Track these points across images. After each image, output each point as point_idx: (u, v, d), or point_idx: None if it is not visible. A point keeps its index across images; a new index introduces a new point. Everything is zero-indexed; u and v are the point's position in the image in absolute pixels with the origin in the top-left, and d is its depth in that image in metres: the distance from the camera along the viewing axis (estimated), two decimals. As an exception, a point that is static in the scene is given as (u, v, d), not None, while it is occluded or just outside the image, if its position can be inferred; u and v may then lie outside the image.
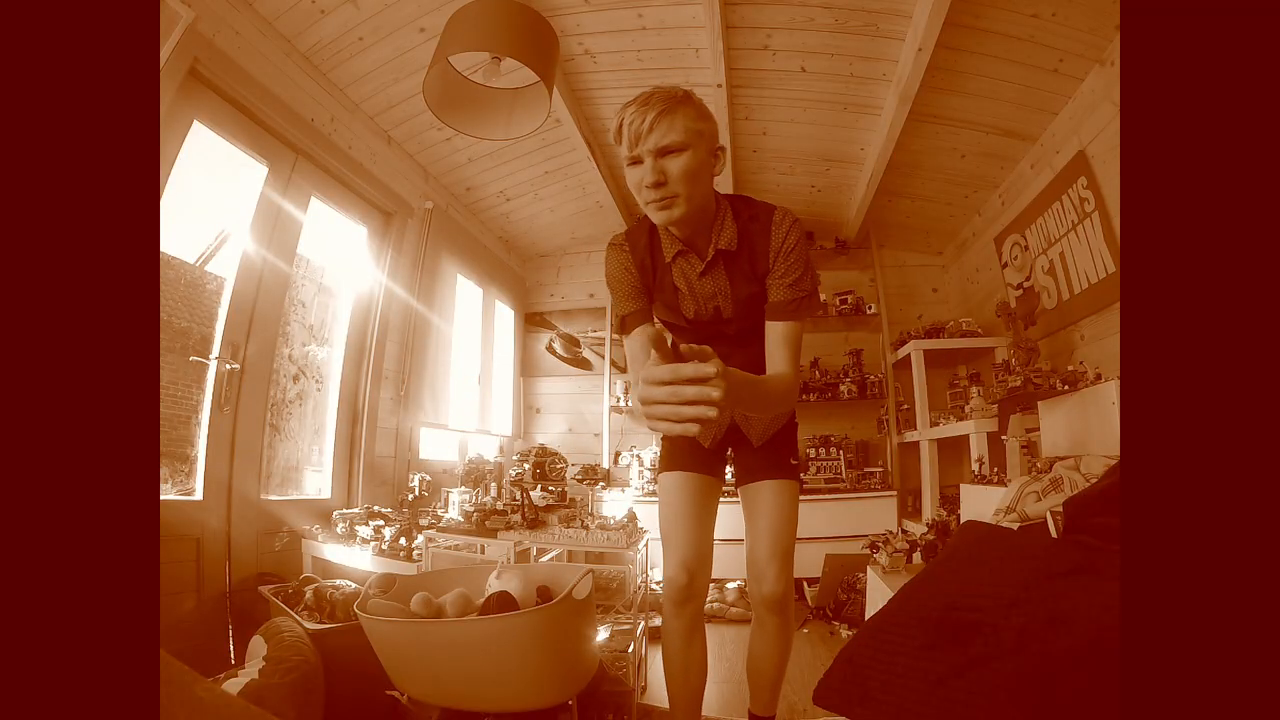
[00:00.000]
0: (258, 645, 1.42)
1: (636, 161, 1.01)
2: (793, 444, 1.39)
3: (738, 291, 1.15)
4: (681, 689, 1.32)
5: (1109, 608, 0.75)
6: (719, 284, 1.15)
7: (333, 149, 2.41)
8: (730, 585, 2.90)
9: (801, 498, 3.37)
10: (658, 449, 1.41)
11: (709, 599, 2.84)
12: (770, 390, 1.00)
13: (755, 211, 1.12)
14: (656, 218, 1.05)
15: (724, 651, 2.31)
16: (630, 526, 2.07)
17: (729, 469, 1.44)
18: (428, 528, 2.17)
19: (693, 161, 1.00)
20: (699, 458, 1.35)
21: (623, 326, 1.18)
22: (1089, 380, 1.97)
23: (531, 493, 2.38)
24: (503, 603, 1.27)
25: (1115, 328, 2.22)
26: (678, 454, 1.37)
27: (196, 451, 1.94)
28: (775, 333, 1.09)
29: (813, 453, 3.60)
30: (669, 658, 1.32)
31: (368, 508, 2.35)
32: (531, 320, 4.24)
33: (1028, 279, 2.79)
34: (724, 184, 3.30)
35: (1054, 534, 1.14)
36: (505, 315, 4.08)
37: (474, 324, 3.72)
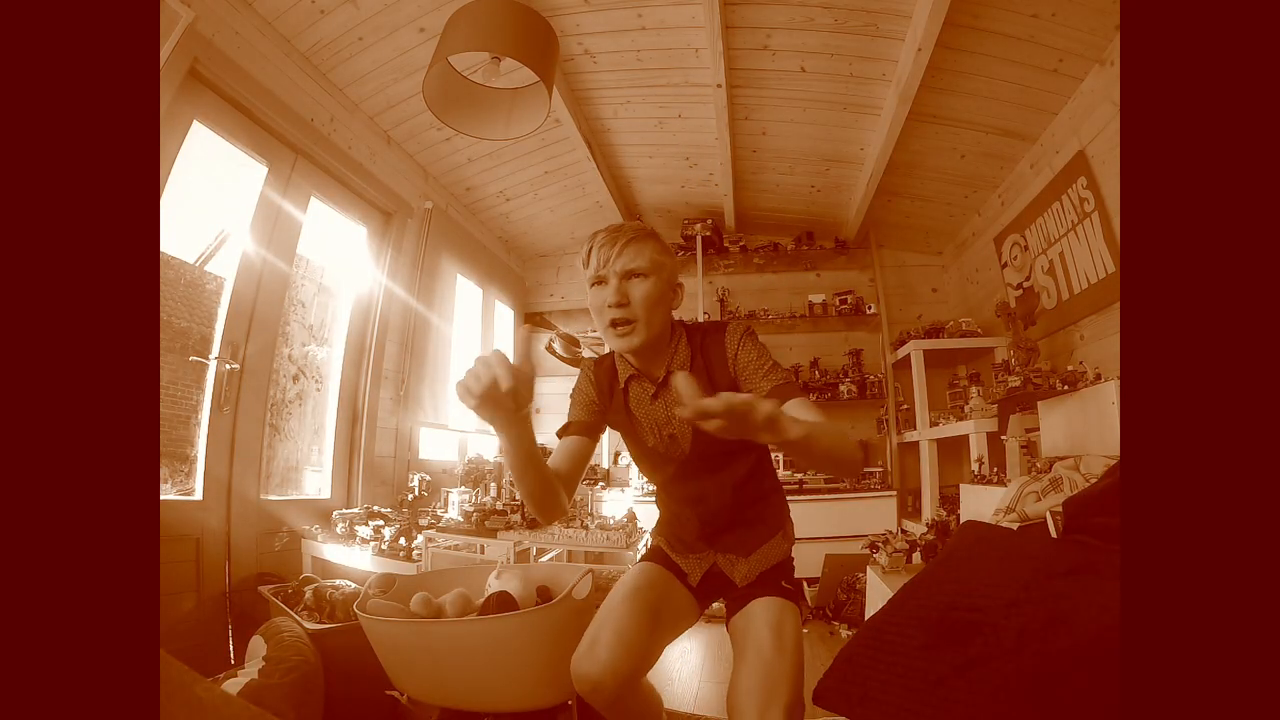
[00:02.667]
0: (257, 645, 1.42)
1: (601, 282, 1.04)
2: (787, 571, 1.18)
3: None
4: None
5: (1109, 608, 0.75)
6: (671, 409, 1.08)
7: (332, 149, 2.41)
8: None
9: (802, 498, 3.41)
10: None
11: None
12: (839, 431, 0.91)
13: (708, 330, 1.13)
14: (616, 344, 1.06)
15: (723, 651, 2.31)
16: (630, 526, 2.07)
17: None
18: (427, 528, 2.17)
19: (654, 289, 1.03)
20: (682, 574, 1.17)
21: (563, 430, 1.14)
22: (1089, 380, 1.97)
23: (531, 493, 2.37)
24: (503, 603, 1.27)
25: (1115, 328, 2.22)
26: (661, 555, 1.20)
27: (196, 451, 1.94)
28: (792, 410, 0.96)
29: (813, 453, 3.60)
30: None
31: (367, 508, 2.35)
32: (531, 320, 4.25)
33: (1027, 279, 2.79)
34: (724, 184, 3.30)
35: (1054, 534, 1.14)
36: (505, 315, 4.08)
37: (474, 324, 3.72)
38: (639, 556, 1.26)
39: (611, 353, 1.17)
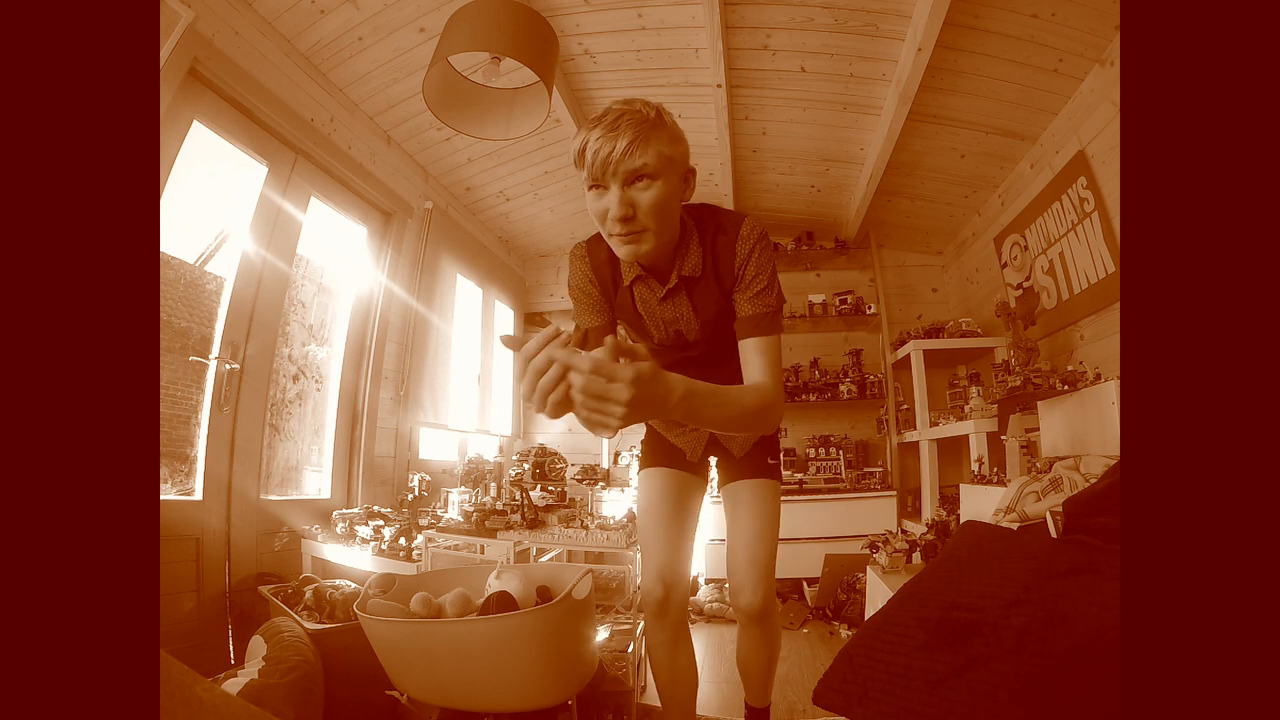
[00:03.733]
0: (257, 645, 1.42)
1: (600, 186, 0.92)
2: (773, 447, 1.33)
3: (703, 314, 1.10)
4: (671, 698, 1.31)
5: (1109, 608, 0.75)
6: (680, 309, 1.10)
7: (332, 149, 2.41)
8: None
9: (802, 498, 3.42)
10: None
11: (710, 599, 2.84)
12: (744, 406, 0.90)
13: (722, 223, 1.05)
14: (621, 252, 0.97)
15: (724, 651, 2.31)
16: (630, 526, 2.07)
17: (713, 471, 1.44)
18: (428, 528, 2.17)
19: (663, 191, 0.91)
20: (681, 456, 1.31)
21: (584, 341, 1.08)
22: (1089, 380, 1.97)
23: (531, 493, 2.38)
24: (503, 603, 1.27)
25: (1115, 328, 2.22)
26: (659, 452, 1.32)
27: (196, 451, 1.94)
28: (747, 349, 1.03)
29: (812, 453, 3.60)
30: (656, 667, 1.30)
31: (367, 508, 2.35)
32: (531, 320, 4.24)
33: (1027, 279, 2.79)
34: (724, 184, 3.30)
35: (1054, 534, 1.14)
36: (505, 315, 4.08)
37: (474, 324, 3.72)
38: (640, 463, 1.38)
39: (610, 248, 1.07)
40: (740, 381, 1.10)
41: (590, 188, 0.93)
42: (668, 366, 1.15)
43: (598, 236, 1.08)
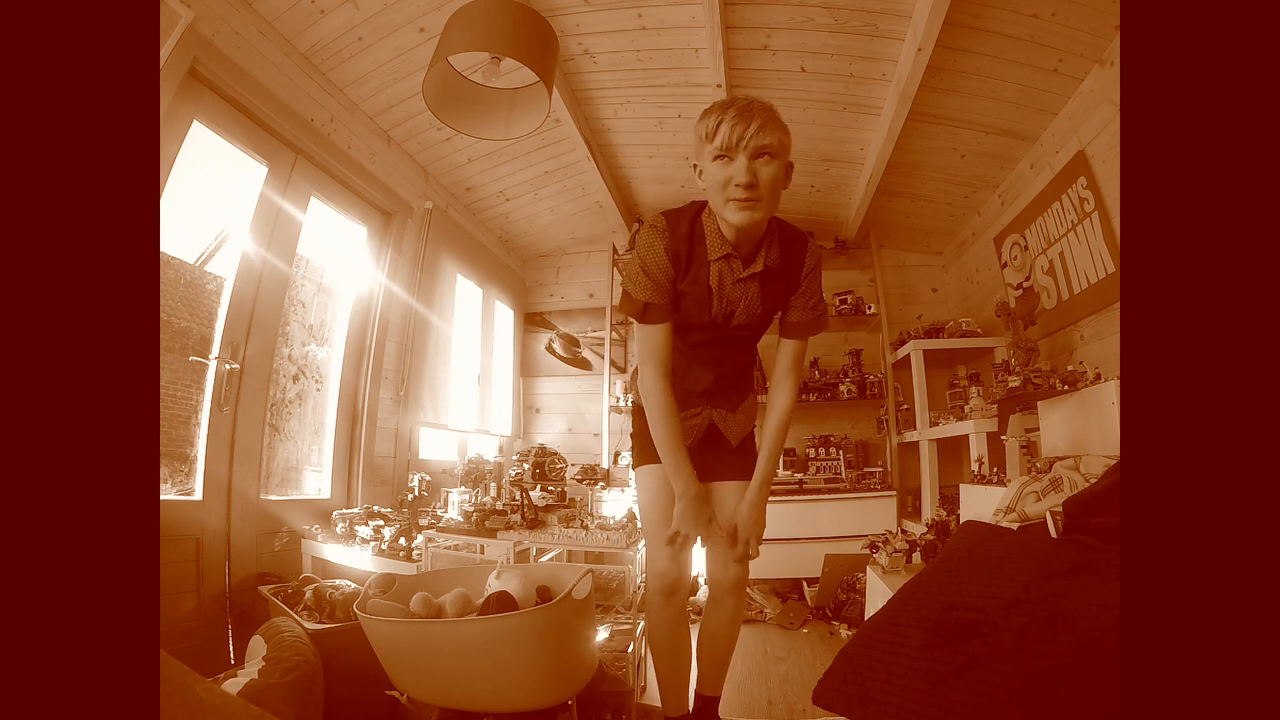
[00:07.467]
0: (257, 645, 1.42)
1: (726, 157, 1.06)
2: (755, 446, 1.47)
3: (767, 301, 1.26)
4: (671, 672, 1.36)
5: (1109, 608, 0.75)
6: (748, 292, 1.23)
7: (332, 149, 2.41)
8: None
9: (802, 498, 3.42)
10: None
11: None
12: (777, 440, 1.26)
13: (796, 233, 1.26)
14: (737, 217, 1.09)
15: (724, 651, 2.30)
16: (630, 526, 2.07)
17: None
18: (427, 528, 2.17)
19: (779, 171, 1.08)
20: None
21: (644, 314, 1.22)
22: (1089, 380, 1.96)
23: (531, 493, 2.38)
24: (502, 603, 1.27)
25: (1115, 328, 2.22)
26: (653, 446, 1.39)
27: (196, 451, 1.94)
28: (788, 350, 1.27)
29: (812, 453, 3.59)
30: (658, 650, 1.36)
31: (367, 508, 2.35)
32: (531, 320, 4.25)
33: (1027, 279, 2.79)
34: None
35: (1054, 534, 1.14)
36: (505, 315, 4.08)
37: (474, 324, 3.72)
38: (634, 458, 1.46)
39: (694, 224, 1.20)
40: (746, 363, 1.40)
41: (716, 158, 1.07)
42: (696, 343, 1.32)
43: (679, 211, 1.21)
